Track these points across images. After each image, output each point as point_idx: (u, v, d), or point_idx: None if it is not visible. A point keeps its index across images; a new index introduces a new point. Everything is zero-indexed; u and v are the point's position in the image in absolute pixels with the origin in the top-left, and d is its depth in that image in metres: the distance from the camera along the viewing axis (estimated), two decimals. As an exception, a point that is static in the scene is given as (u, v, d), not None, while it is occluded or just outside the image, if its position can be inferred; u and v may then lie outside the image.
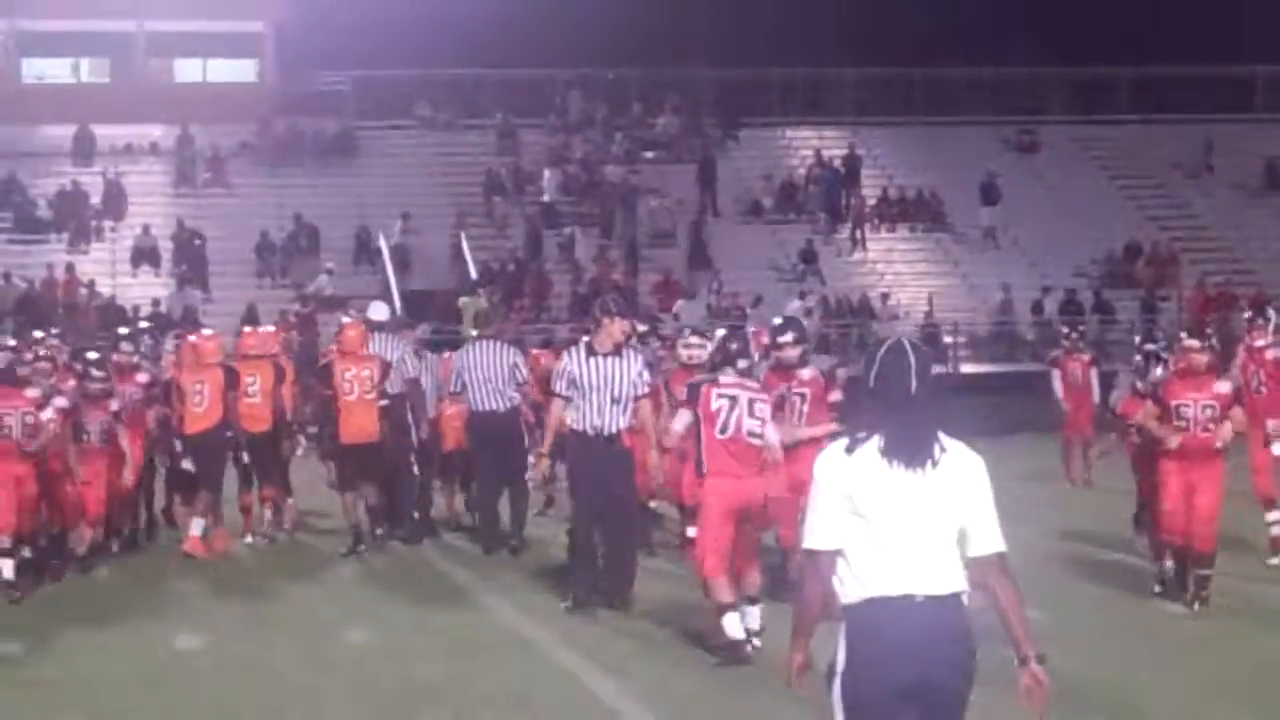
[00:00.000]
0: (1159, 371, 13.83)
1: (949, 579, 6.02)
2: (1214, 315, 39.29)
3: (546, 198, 42.11)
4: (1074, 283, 40.30)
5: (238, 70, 47.13)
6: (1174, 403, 13.28)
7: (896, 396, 6.10)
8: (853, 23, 46.95)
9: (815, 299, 38.24)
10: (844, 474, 6.09)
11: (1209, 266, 41.85)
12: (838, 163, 43.91)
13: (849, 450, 6.12)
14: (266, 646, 12.62)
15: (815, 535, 6.09)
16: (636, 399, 13.67)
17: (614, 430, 13.59)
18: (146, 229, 40.06)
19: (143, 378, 17.33)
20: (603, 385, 13.50)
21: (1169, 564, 13.78)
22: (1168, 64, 46.07)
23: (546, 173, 42.59)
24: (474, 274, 38.60)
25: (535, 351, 20.52)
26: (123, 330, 17.93)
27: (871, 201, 43.38)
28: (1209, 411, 13.23)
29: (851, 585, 6.04)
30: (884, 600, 5.96)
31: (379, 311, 18.66)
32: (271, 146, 43.41)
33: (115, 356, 17.24)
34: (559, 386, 13.72)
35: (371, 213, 41.00)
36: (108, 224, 40.66)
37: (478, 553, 16.73)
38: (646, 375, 13.86)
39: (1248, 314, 19.26)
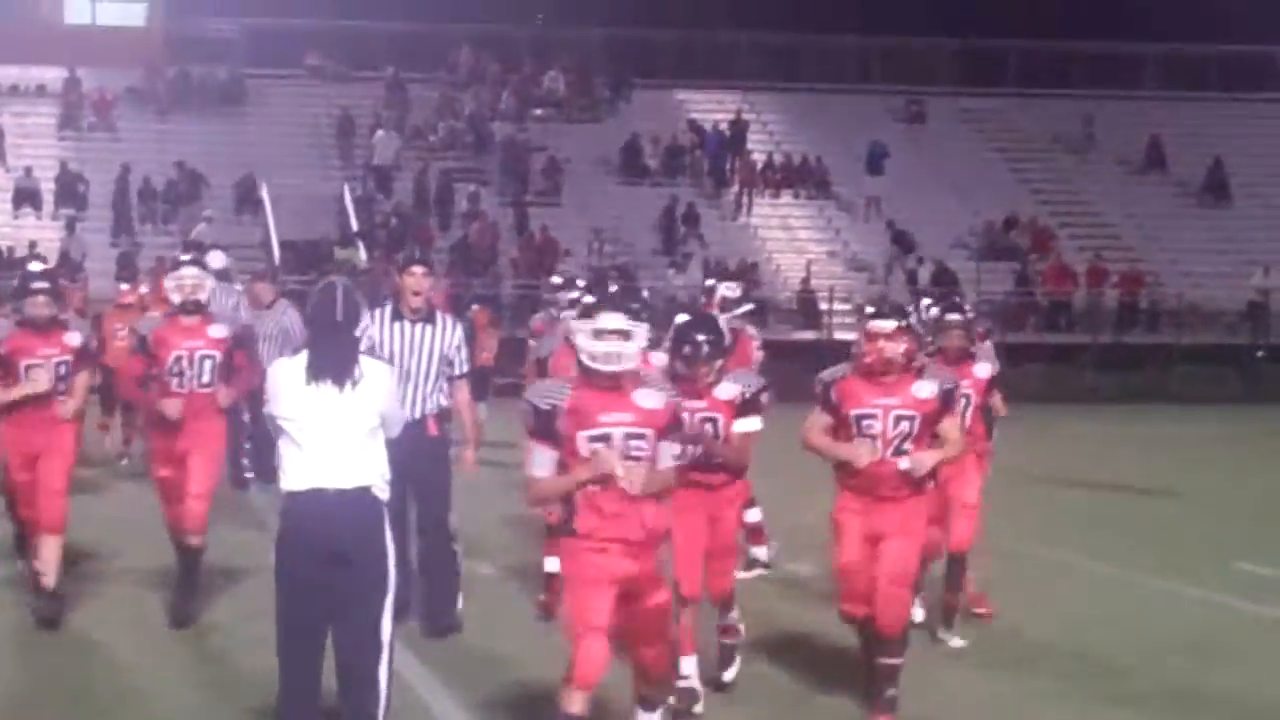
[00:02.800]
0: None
1: (359, 475, 7.30)
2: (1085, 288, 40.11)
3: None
4: (953, 254, 40.72)
5: (127, 14, 46.67)
6: (853, 412, 9.20)
7: (324, 326, 7.39)
8: (746, -13, 47.16)
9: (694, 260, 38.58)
10: (277, 389, 7.41)
11: (1087, 241, 42.35)
12: (724, 127, 44.12)
13: (286, 369, 7.45)
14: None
15: None
16: (452, 379, 11.31)
17: (420, 414, 11.02)
18: (29, 171, 39.88)
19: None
20: (407, 356, 11.09)
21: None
22: (1056, 39, 46.61)
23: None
24: (355, 225, 38.63)
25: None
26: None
27: (757, 167, 43.64)
28: (905, 425, 9.15)
29: (286, 478, 7.37)
30: (303, 493, 7.29)
31: (216, 260, 18.76)
32: (159, 92, 43.25)
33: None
34: None
35: (257, 162, 40.87)
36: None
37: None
38: (465, 351, 11.46)
39: None
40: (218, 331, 11.64)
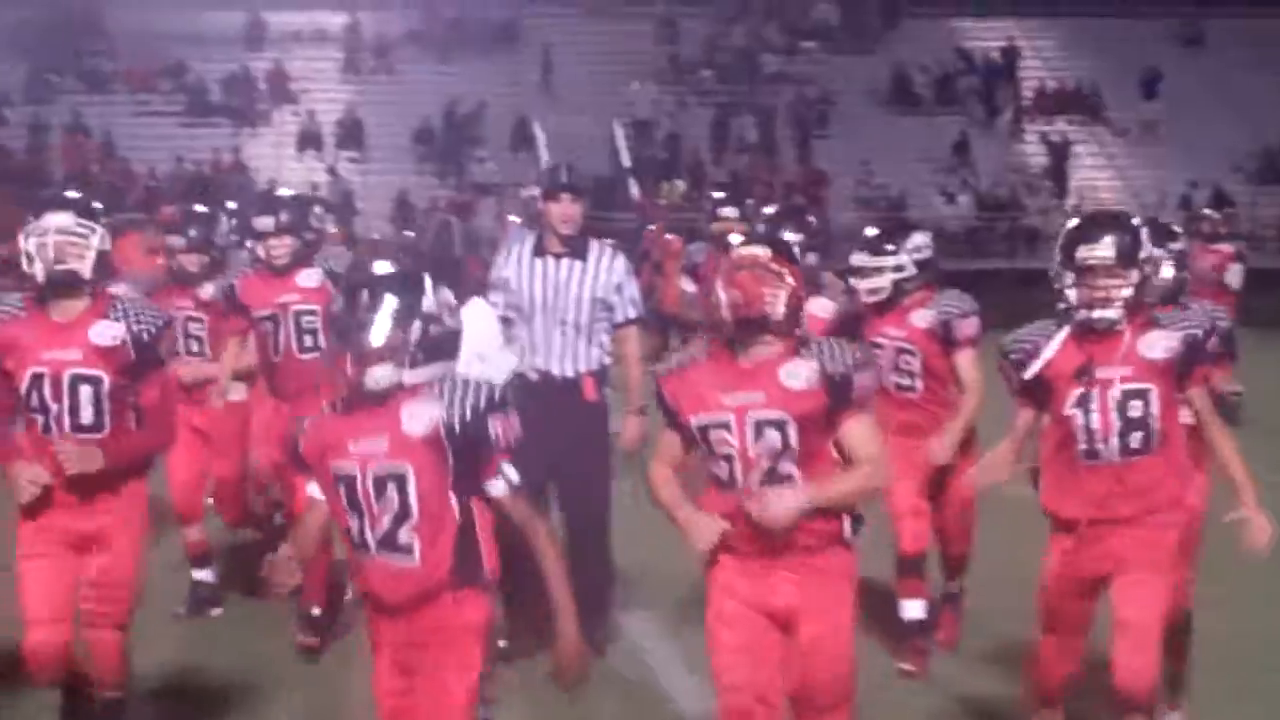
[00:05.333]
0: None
1: None
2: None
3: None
4: (1230, 178, 39.97)
5: (405, -43, 47.64)
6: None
7: (439, 260, 8.02)
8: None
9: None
10: None
11: (1374, 163, 41.25)
12: (995, 55, 43.81)
13: None
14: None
15: None
16: (618, 326, 8.98)
17: (573, 372, 8.88)
18: (313, 114, 41.13)
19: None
20: (551, 300, 8.81)
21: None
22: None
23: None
24: (626, 163, 39.20)
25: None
26: None
27: (1029, 94, 43.27)
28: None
29: None
30: None
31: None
32: (437, 34, 44.19)
33: None
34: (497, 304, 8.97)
35: (533, 101, 41.62)
36: (275, 109, 41.83)
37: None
38: (632, 289, 9.02)
39: None
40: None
